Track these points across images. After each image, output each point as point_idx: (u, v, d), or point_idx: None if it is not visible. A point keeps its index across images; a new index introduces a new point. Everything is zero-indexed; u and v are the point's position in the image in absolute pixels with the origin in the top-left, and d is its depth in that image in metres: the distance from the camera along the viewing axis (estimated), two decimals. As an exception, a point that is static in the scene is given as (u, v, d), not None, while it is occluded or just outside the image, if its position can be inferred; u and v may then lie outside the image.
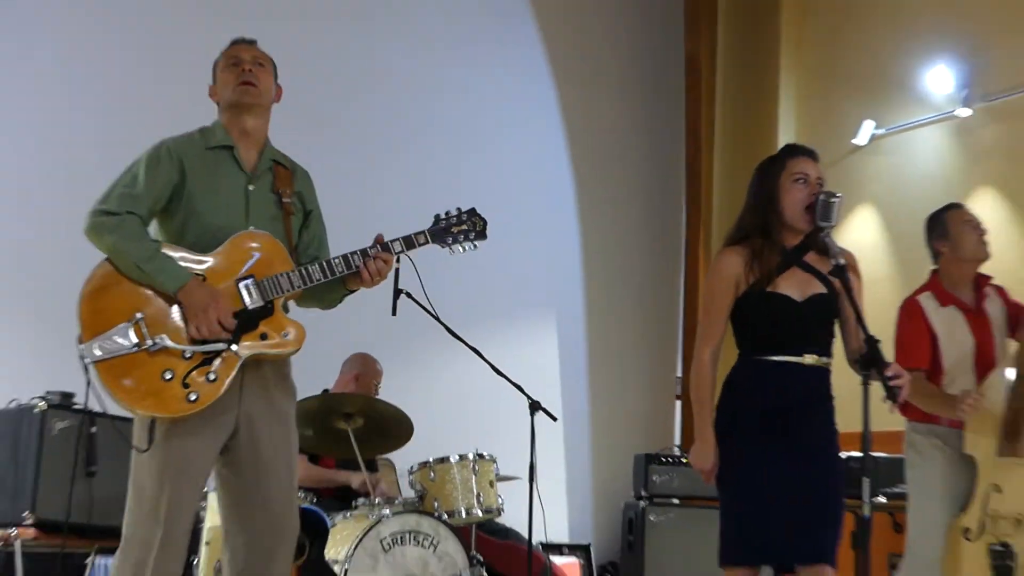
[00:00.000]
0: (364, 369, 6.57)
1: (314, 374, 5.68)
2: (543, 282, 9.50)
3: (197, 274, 3.69)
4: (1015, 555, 4.49)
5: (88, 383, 3.54)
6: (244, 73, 3.87)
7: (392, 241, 3.92)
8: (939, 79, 8.23)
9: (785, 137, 8.76)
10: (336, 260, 3.82)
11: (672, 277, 9.98)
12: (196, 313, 3.61)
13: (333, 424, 5.81)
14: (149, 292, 3.63)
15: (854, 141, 8.71)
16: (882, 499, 6.24)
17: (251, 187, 3.85)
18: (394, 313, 5.37)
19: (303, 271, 3.76)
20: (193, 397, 3.57)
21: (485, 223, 4.07)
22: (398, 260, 3.98)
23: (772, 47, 9.42)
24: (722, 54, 9.85)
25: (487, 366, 5.70)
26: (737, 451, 3.98)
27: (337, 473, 6.22)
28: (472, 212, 4.06)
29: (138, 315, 3.59)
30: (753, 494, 3.95)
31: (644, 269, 9.90)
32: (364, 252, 3.85)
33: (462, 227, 4.02)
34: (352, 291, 3.98)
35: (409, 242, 3.92)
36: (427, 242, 3.97)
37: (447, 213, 4.04)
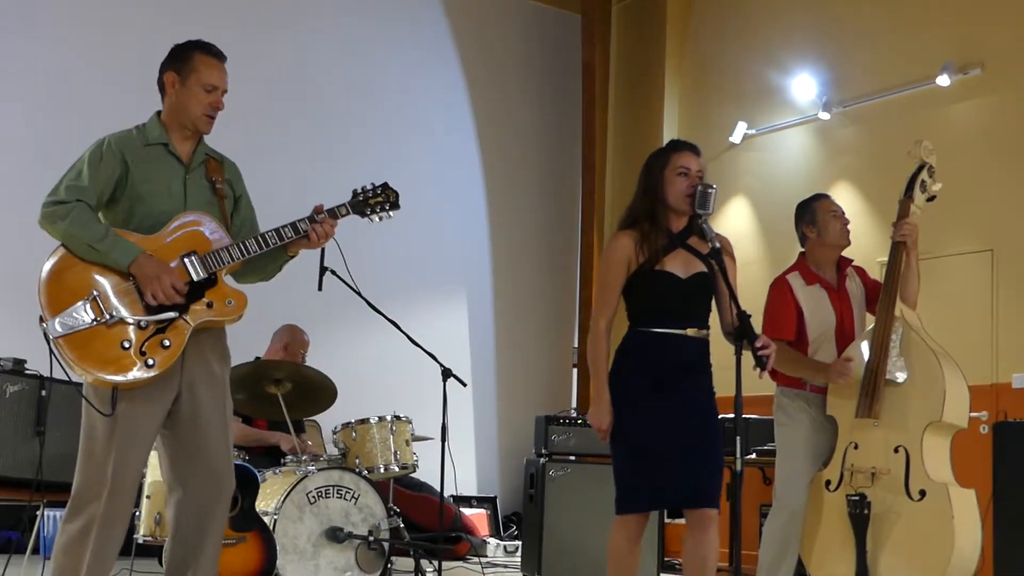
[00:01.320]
0: (292, 339, 6.44)
1: (247, 343, 5.55)
2: (456, 263, 9.51)
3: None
4: (869, 503, 4.51)
5: (51, 356, 3.43)
6: (215, 105, 3.74)
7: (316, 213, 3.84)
8: (803, 87, 8.33)
9: (669, 136, 8.76)
10: (277, 231, 3.72)
11: (569, 259, 10.04)
12: (150, 282, 3.52)
13: (264, 389, 5.69)
14: (103, 271, 3.53)
15: (730, 139, 8.76)
16: (753, 456, 6.26)
17: (188, 176, 3.75)
18: (320, 288, 5.27)
19: (241, 245, 3.68)
20: (151, 362, 3.50)
21: (397, 195, 4.00)
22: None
23: (658, 58, 9.49)
24: (614, 64, 9.97)
25: (404, 337, 5.63)
26: (628, 412, 3.93)
27: (270, 435, 6.10)
28: (385, 186, 3.99)
29: (94, 292, 3.50)
30: (642, 449, 3.91)
31: (544, 252, 9.99)
32: (311, 219, 3.77)
33: (378, 199, 3.95)
34: (293, 256, 3.88)
35: (333, 213, 3.84)
36: (348, 213, 3.89)
37: (363, 188, 3.96)
